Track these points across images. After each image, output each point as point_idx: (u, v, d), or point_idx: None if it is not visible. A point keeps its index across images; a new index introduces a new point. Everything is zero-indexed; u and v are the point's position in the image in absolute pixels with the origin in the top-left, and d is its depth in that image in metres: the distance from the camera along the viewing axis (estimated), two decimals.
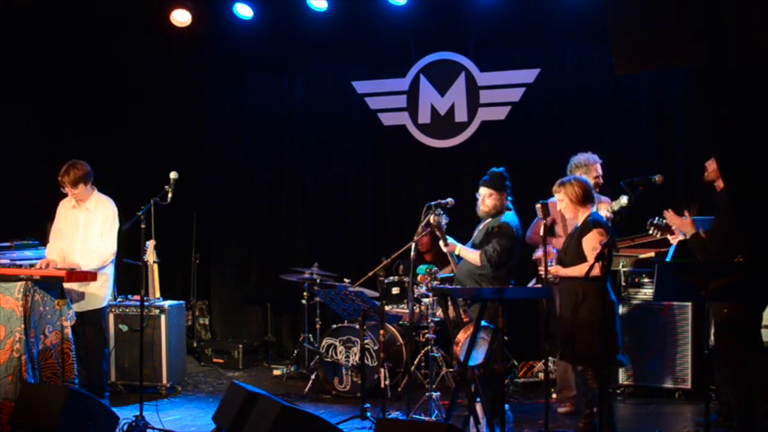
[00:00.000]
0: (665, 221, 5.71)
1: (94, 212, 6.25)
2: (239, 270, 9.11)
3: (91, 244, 6.18)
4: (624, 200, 5.87)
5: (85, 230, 6.23)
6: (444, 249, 6.04)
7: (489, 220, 6.03)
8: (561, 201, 5.33)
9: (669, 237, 5.83)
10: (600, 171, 6.20)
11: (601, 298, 5.01)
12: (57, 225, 6.38)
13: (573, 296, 5.18)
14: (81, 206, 6.27)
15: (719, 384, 5.74)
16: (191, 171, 7.61)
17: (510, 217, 5.94)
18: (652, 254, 6.60)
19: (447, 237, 5.96)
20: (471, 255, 5.91)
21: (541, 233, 5.36)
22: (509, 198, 6.06)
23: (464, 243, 6.03)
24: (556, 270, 5.31)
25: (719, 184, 5.38)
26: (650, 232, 5.86)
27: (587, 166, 6.17)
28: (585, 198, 5.25)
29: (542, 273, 5.36)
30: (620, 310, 6.47)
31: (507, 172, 6.22)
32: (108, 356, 6.54)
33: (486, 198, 5.97)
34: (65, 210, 6.36)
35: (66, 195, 6.28)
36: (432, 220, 5.82)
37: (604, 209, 5.79)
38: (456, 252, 6.01)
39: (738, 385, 5.21)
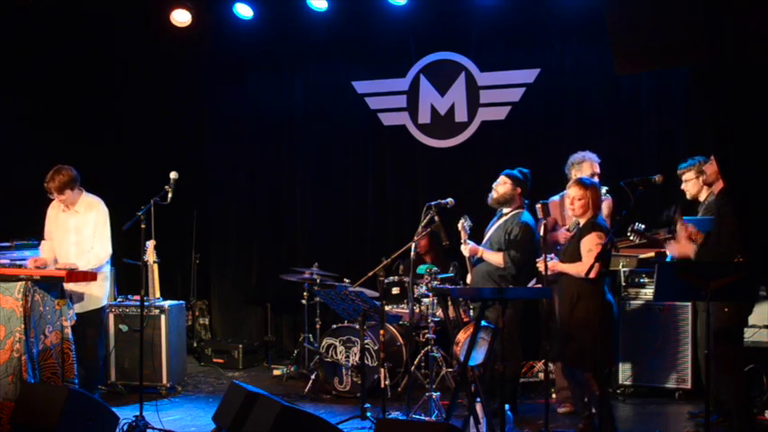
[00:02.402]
0: (643, 227, 5.78)
1: (85, 215, 6.24)
2: (239, 270, 9.11)
3: (85, 246, 6.19)
4: (602, 190, 5.92)
5: (78, 233, 6.23)
6: (465, 253, 6.04)
7: (503, 219, 6.08)
8: (581, 199, 5.29)
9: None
10: (597, 169, 6.20)
11: (596, 298, 5.03)
12: (47, 227, 6.38)
13: (569, 295, 5.19)
14: (71, 209, 6.26)
15: (716, 385, 5.73)
16: (191, 171, 7.61)
17: (526, 217, 6.04)
18: (652, 254, 6.61)
19: (468, 241, 5.99)
20: (494, 257, 5.99)
21: (541, 233, 5.37)
22: (525, 201, 6.13)
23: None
24: (554, 265, 5.32)
25: (717, 186, 5.37)
26: (630, 237, 5.93)
27: (581, 163, 6.20)
28: (600, 206, 5.31)
29: (542, 271, 5.36)
30: (620, 310, 6.47)
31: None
32: (104, 358, 6.53)
33: (499, 185, 6.10)
34: (54, 214, 6.34)
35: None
36: (459, 226, 5.97)
37: (606, 207, 5.83)
38: (478, 255, 6.02)
39: (736, 387, 5.20)
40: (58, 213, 6.32)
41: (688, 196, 5.99)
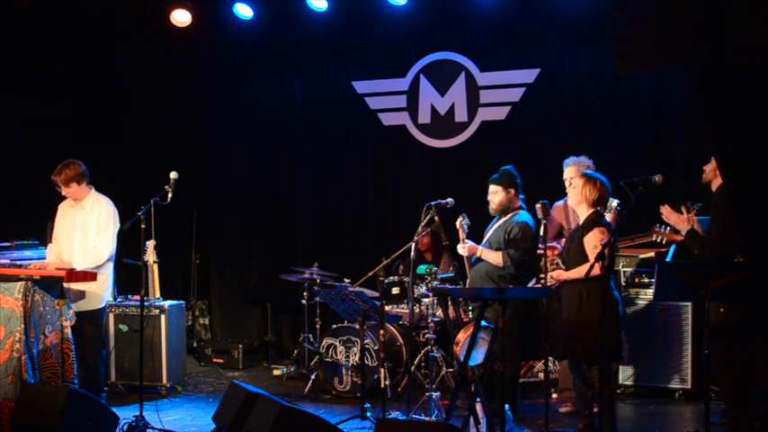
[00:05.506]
0: (668, 228, 5.75)
1: (90, 211, 6.25)
2: (239, 270, 9.10)
3: (88, 245, 6.18)
4: (614, 203, 5.91)
5: (82, 230, 6.23)
6: (462, 253, 6.03)
7: (502, 220, 6.08)
8: (575, 187, 5.31)
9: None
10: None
11: (603, 296, 5.01)
12: (56, 227, 6.39)
13: (576, 296, 5.18)
14: (78, 205, 6.27)
15: (718, 386, 5.72)
16: (191, 171, 7.61)
17: (525, 216, 6.05)
18: (652, 254, 6.60)
19: (467, 240, 5.99)
20: (493, 256, 5.99)
21: (542, 233, 5.36)
22: (521, 196, 6.13)
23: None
24: (558, 275, 5.31)
25: (716, 183, 5.36)
26: (655, 238, 5.89)
27: (572, 166, 6.18)
28: (597, 202, 5.28)
29: (542, 276, 5.35)
30: (621, 309, 6.47)
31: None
32: (105, 358, 6.54)
33: (492, 195, 6.11)
34: (63, 210, 6.37)
35: (66, 197, 6.30)
36: (458, 224, 6.00)
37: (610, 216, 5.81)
38: (477, 254, 6.02)
39: (732, 389, 5.18)
40: (67, 210, 6.34)
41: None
